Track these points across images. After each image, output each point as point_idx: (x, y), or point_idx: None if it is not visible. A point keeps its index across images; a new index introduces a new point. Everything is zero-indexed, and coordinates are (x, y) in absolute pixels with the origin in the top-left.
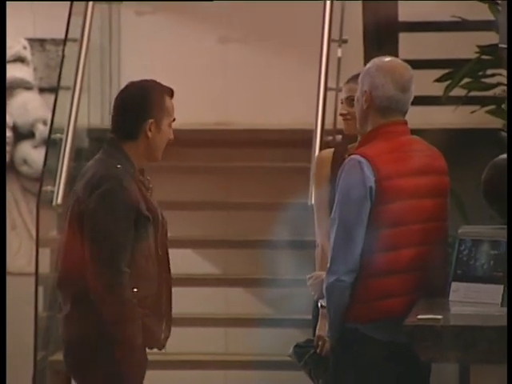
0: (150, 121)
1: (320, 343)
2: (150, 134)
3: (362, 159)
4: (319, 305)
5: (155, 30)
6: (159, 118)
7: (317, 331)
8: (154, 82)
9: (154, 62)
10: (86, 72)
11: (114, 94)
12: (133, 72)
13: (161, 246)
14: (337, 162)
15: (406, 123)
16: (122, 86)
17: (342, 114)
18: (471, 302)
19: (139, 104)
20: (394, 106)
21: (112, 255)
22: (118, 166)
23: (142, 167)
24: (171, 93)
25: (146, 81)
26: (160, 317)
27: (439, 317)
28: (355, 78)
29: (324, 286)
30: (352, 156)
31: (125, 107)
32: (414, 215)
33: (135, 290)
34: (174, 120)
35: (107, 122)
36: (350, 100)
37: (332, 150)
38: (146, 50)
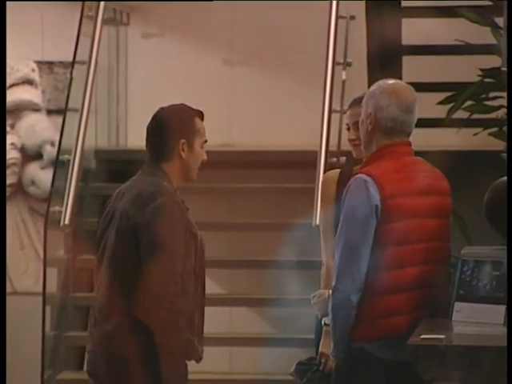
0: (182, 141)
1: (323, 360)
2: (183, 154)
3: (367, 178)
4: (323, 323)
5: (161, 52)
6: (191, 139)
7: (320, 348)
8: (184, 105)
9: (160, 83)
10: (94, 94)
11: (122, 115)
12: (139, 94)
13: (198, 264)
14: (343, 183)
15: (410, 144)
16: (130, 107)
17: (350, 140)
18: (474, 322)
19: (171, 125)
20: (399, 127)
21: (170, 266)
22: (165, 184)
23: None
24: (201, 115)
25: (175, 105)
26: (194, 331)
27: (442, 336)
28: (358, 101)
29: (330, 305)
30: (357, 175)
31: (157, 130)
32: (418, 234)
33: None
34: (206, 141)
35: (114, 143)
36: (357, 125)
37: (338, 170)
38: (153, 72)
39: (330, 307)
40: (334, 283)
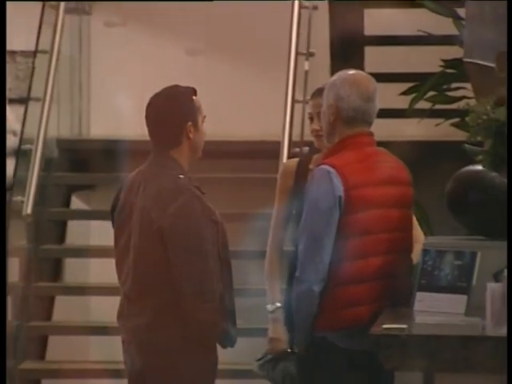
0: (189, 123)
1: (272, 345)
2: (191, 135)
3: (330, 169)
4: (268, 308)
5: (124, 41)
6: (195, 118)
7: (269, 334)
8: (178, 86)
9: (122, 72)
10: (56, 83)
11: (84, 104)
12: (102, 83)
13: (223, 248)
14: (301, 172)
15: (372, 134)
16: (92, 96)
17: (314, 130)
18: (435, 311)
19: (174, 111)
20: (360, 116)
21: (202, 266)
22: (181, 176)
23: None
24: (195, 92)
25: (170, 88)
26: (228, 317)
27: (404, 326)
28: (321, 91)
29: (293, 295)
30: (321, 166)
31: (160, 118)
32: (381, 225)
33: None
34: (205, 116)
35: (76, 133)
36: (320, 115)
37: (296, 160)
38: (115, 61)
39: (293, 297)
40: (297, 273)
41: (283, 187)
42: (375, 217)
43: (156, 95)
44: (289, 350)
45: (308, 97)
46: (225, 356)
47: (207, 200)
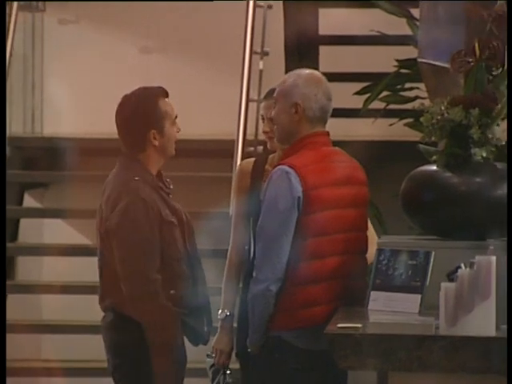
0: (152, 132)
1: (217, 355)
2: (155, 142)
3: (289, 169)
4: (218, 315)
5: (78, 39)
6: (160, 126)
7: (213, 343)
8: (144, 89)
9: (76, 70)
10: (9, 80)
11: (37, 102)
12: (56, 81)
13: (190, 246)
14: (257, 172)
15: (328, 134)
16: (45, 94)
17: (265, 132)
18: (390, 310)
19: (136, 119)
20: (325, 115)
21: (140, 267)
22: (136, 178)
23: (159, 170)
24: (164, 93)
25: (136, 92)
26: (199, 313)
27: (359, 325)
28: (272, 93)
29: (250, 295)
30: (279, 166)
31: (123, 125)
32: (337, 225)
33: (172, 291)
34: (176, 117)
35: (29, 130)
36: (271, 118)
37: (252, 160)
38: (69, 59)
39: (249, 297)
40: (254, 273)
41: (240, 187)
42: (333, 217)
43: (125, 97)
44: (228, 366)
45: (262, 96)
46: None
47: (174, 200)
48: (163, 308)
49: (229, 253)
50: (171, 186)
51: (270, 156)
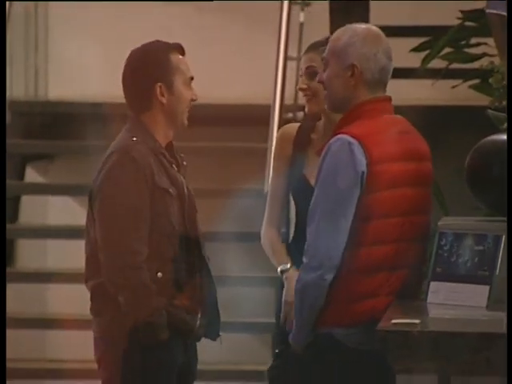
0: (158, 84)
1: (287, 309)
2: (163, 99)
3: (352, 140)
4: (279, 270)
5: None
6: (168, 80)
7: (283, 297)
8: (157, 41)
9: (87, 23)
10: (8, 37)
11: (41, 63)
12: (62, 37)
13: (189, 225)
14: (301, 140)
15: (391, 99)
16: (50, 52)
17: (301, 89)
18: (453, 304)
19: (141, 69)
20: (384, 77)
21: (122, 234)
22: (134, 139)
23: (169, 140)
24: (180, 49)
25: (146, 44)
26: (193, 304)
27: (416, 321)
28: (317, 45)
29: (299, 285)
30: (339, 136)
31: (129, 78)
32: (403, 206)
33: (159, 274)
34: (192, 78)
35: (32, 94)
36: (310, 72)
37: (296, 125)
38: (79, 10)
39: (298, 286)
40: (305, 259)
41: (281, 156)
42: (398, 197)
43: (133, 50)
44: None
45: (302, 53)
46: (204, 355)
47: (184, 173)
48: (145, 288)
49: (268, 235)
50: (184, 163)
51: (318, 123)
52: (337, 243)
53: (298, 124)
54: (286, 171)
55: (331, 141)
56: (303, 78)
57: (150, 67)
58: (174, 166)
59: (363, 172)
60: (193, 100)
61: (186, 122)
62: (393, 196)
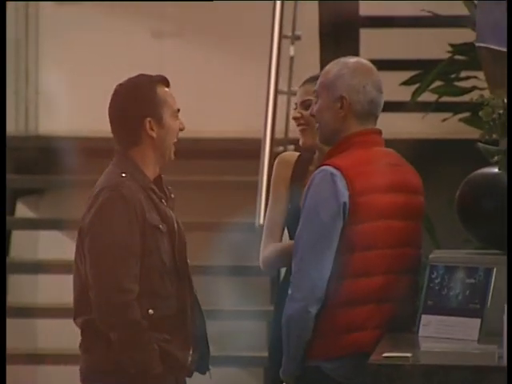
0: (148, 119)
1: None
2: (153, 133)
3: (334, 171)
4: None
5: (78, 21)
6: (157, 113)
7: None
8: (142, 75)
9: (77, 59)
10: None
11: (31, 94)
12: (53, 71)
13: (179, 261)
14: (299, 169)
15: (381, 132)
16: (41, 86)
17: (295, 118)
18: (444, 337)
19: (130, 104)
20: (374, 110)
21: (113, 272)
22: (123, 175)
23: (157, 174)
24: (165, 81)
25: (132, 78)
26: (185, 340)
27: (408, 355)
28: (313, 79)
29: (284, 317)
30: (322, 167)
31: (116, 115)
32: (388, 238)
33: (151, 311)
34: (178, 110)
35: (22, 128)
36: (306, 104)
37: (296, 154)
38: (69, 45)
39: (284, 318)
40: (290, 291)
41: (280, 180)
42: (383, 229)
43: (118, 85)
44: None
45: (293, 87)
46: None
47: (172, 205)
48: (136, 325)
49: (261, 254)
50: (172, 195)
51: (315, 156)
52: (321, 275)
53: (295, 153)
54: (286, 195)
55: (315, 172)
56: (298, 107)
57: (138, 102)
58: (163, 200)
59: (345, 203)
60: (181, 129)
61: (173, 155)
62: (377, 228)
